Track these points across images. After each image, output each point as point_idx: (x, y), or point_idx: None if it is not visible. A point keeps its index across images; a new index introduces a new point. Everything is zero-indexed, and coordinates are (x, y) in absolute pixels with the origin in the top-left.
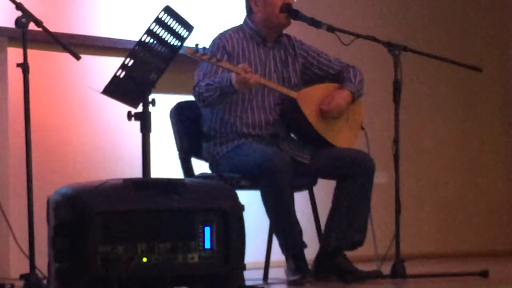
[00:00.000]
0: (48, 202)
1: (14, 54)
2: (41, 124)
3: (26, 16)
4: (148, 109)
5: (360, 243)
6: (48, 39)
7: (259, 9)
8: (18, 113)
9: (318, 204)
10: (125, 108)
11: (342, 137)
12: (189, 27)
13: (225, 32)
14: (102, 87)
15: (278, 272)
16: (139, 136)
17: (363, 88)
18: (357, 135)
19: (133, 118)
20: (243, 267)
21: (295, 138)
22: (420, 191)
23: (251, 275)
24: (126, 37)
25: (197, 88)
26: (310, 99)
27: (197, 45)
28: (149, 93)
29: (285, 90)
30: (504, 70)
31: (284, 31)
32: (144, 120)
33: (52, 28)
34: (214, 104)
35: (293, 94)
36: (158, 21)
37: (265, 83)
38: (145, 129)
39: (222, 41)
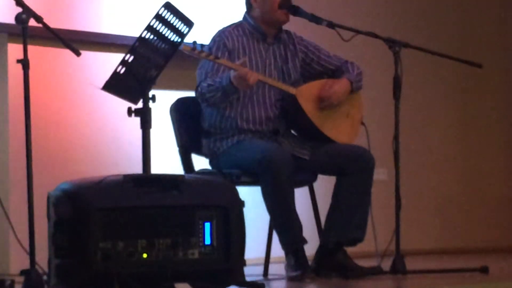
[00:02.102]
0: (48, 198)
1: (14, 50)
2: (41, 120)
3: (26, 12)
4: (148, 105)
5: (360, 239)
6: (48, 35)
7: (258, 5)
8: (18, 109)
9: (318, 200)
10: (125, 104)
11: (343, 133)
12: (189, 23)
13: (224, 29)
14: (102, 83)
15: (278, 268)
16: (139, 132)
17: (362, 81)
18: (358, 131)
19: (133, 114)
20: (243, 263)
21: (295, 134)
22: (420, 187)
23: (251, 271)
24: (126, 33)
25: (199, 89)
26: (310, 95)
27: (194, 42)
28: (149, 89)
29: (284, 87)
30: (504, 67)
31: (284, 27)
32: (144, 116)
33: (52, 24)
34: (217, 104)
35: (292, 90)
36: (158, 17)
37: (264, 80)
38: (145, 125)
39: (222, 38)
